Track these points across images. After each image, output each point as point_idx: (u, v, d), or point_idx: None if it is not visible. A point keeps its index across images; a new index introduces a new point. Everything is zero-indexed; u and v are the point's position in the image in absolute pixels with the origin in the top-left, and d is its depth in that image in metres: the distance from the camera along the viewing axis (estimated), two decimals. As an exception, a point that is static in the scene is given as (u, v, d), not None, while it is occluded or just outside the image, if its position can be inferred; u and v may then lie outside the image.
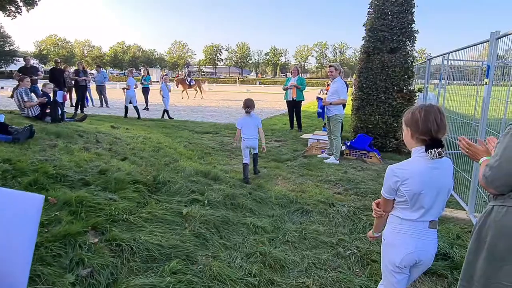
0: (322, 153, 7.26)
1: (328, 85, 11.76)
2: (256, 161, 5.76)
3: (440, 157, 1.77)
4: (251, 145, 5.47)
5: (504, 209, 1.72)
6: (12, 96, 7.26)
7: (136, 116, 11.96)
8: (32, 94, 8.13)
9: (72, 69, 16.14)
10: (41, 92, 8.07)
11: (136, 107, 12.11)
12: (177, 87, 23.83)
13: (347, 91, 7.39)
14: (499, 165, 1.70)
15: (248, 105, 5.42)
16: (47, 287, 2.26)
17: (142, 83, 16.17)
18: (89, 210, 3.35)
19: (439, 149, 1.76)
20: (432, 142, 1.78)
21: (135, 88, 12.38)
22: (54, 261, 2.52)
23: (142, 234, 3.09)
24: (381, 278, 2.34)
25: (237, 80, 70.62)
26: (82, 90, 13.70)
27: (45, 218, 3.00)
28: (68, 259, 2.59)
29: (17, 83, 7.41)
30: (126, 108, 12.25)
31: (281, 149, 7.84)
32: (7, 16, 25.09)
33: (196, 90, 23.15)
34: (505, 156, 1.68)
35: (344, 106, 9.42)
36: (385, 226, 2.04)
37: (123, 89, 12.42)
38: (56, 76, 12.34)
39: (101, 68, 16.86)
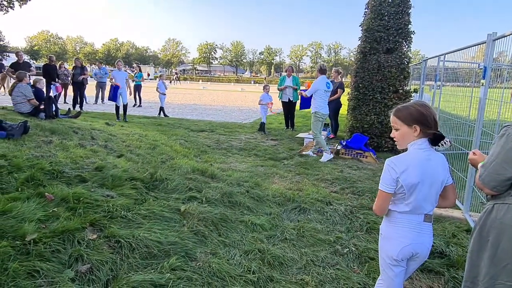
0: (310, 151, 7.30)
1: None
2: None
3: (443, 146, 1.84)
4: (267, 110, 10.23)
5: (505, 207, 1.74)
6: (10, 93, 7.15)
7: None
8: None
9: (66, 65, 15.93)
10: (33, 89, 7.95)
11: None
12: None
13: (329, 89, 7.18)
14: (494, 166, 1.72)
15: (265, 86, 10.59)
16: (47, 281, 2.24)
17: (133, 81, 16.09)
18: (87, 206, 3.33)
19: (445, 138, 1.83)
20: (439, 135, 1.84)
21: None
22: (53, 257, 2.50)
23: (140, 231, 3.07)
24: (379, 275, 2.36)
25: (265, 80, 64.77)
26: (80, 87, 13.55)
27: (43, 214, 2.98)
28: (67, 255, 2.57)
29: (17, 79, 7.30)
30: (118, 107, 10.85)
31: (277, 148, 7.86)
32: (-1, 10, 24.75)
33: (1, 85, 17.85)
34: (500, 157, 1.71)
35: (339, 106, 9.45)
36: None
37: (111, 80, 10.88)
38: (49, 72, 12.23)
39: (102, 65, 16.82)
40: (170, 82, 48.93)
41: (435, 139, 1.85)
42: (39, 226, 2.81)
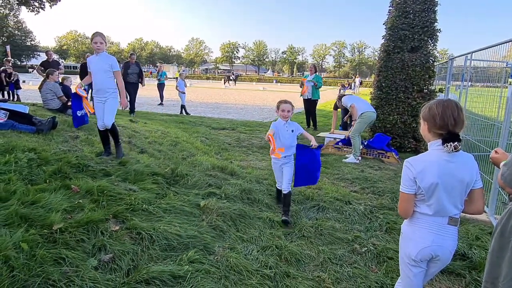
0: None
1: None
2: None
3: (456, 151, 1.77)
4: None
5: None
6: (40, 89, 7.44)
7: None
8: None
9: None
10: (61, 86, 8.24)
11: None
12: None
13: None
14: None
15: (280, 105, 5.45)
16: (72, 268, 2.34)
17: (158, 79, 16.48)
18: (110, 199, 3.44)
19: (455, 143, 1.75)
20: (449, 136, 1.77)
21: None
22: (78, 246, 2.61)
23: (161, 224, 3.15)
24: (397, 275, 2.33)
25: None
26: (134, 88, 11.24)
27: (69, 205, 3.10)
28: (90, 244, 2.67)
29: (45, 77, 7.59)
30: None
31: (297, 147, 7.83)
32: (30, 11, 25.72)
33: None
34: None
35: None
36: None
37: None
38: (86, 71, 12.60)
39: None
40: (224, 83, 42.34)
41: (445, 140, 1.78)
42: (65, 216, 2.93)
